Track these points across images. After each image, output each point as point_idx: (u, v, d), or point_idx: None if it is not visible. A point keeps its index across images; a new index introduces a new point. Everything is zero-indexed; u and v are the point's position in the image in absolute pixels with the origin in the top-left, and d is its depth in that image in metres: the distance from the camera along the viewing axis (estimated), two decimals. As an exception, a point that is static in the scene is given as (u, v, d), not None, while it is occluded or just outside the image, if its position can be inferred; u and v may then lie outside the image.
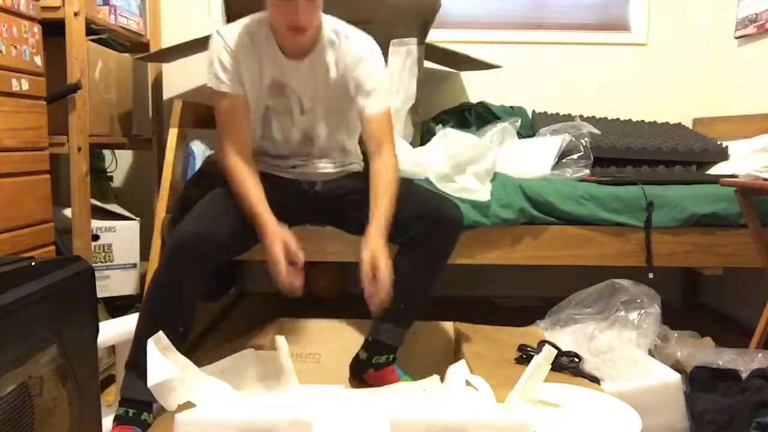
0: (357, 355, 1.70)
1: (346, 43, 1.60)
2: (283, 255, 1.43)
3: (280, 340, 1.67)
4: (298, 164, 1.71)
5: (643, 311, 1.70)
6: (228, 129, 1.59)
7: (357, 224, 1.72)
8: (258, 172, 1.58)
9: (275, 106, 1.65)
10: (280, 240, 1.45)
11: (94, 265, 2.00)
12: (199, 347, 1.93)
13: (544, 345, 1.35)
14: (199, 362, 1.50)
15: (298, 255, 1.45)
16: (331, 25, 1.61)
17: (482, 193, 1.88)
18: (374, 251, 1.44)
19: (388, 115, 1.63)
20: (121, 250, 2.15)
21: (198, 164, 2.07)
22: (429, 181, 1.91)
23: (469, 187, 1.88)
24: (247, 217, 1.52)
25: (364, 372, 1.68)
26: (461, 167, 1.91)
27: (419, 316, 1.72)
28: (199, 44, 2.34)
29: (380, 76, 1.62)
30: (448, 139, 1.99)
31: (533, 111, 2.60)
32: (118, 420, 1.41)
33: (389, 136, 1.62)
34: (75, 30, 1.89)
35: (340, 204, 1.72)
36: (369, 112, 1.60)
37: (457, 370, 1.24)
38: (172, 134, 1.96)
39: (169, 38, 2.57)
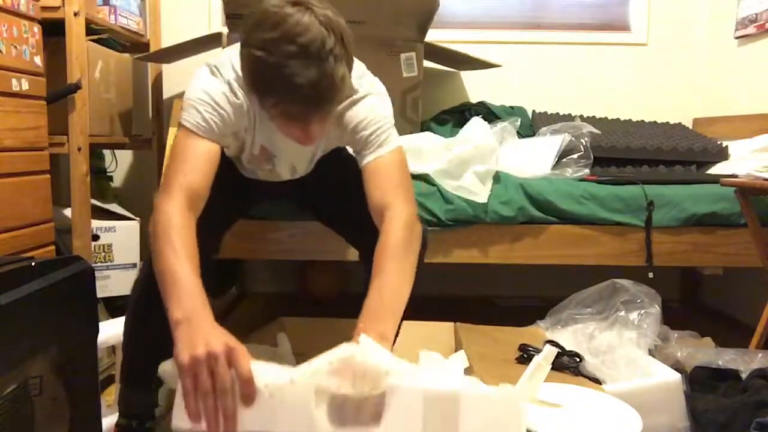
0: None
1: (351, 108, 1.30)
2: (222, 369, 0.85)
3: (281, 337, 1.66)
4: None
5: (643, 311, 1.70)
6: (183, 169, 1.16)
7: (327, 211, 1.62)
8: (197, 252, 1.08)
9: (257, 170, 1.45)
10: (222, 343, 0.87)
11: (94, 265, 2.00)
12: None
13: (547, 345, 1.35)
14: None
15: (246, 376, 0.84)
16: None
17: (481, 194, 1.88)
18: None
19: (391, 160, 1.28)
20: (121, 250, 2.15)
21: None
22: (428, 177, 1.91)
23: (469, 187, 1.88)
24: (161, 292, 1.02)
25: None
26: (463, 165, 1.91)
27: (419, 316, 1.72)
28: (199, 44, 2.35)
29: (374, 121, 1.28)
30: (456, 137, 2.00)
31: (533, 111, 2.59)
32: (121, 428, 1.40)
33: (394, 186, 1.24)
34: (75, 30, 1.89)
35: (313, 189, 1.56)
36: (363, 162, 1.28)
37: (456, 360, 1.20)
38: (172, 134, 1.97)
39: (169, 38, 2.58)
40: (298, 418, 0.82)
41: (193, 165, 1.17)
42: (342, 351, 0.87)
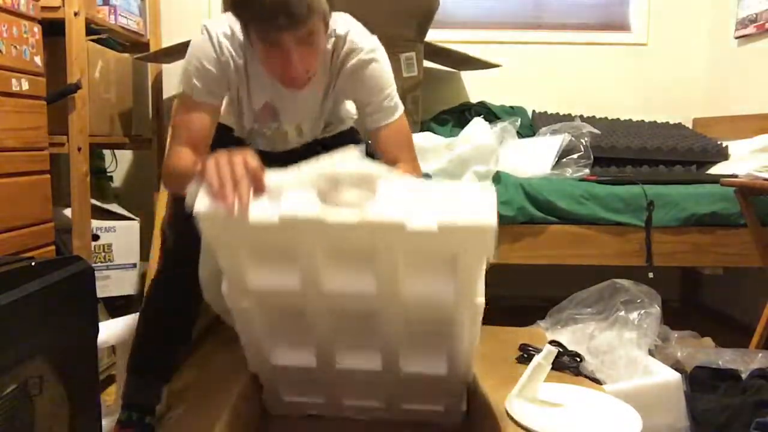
0: None
1: (350, 56, 1.34)
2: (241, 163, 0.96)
3: None
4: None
5: (643, 311, 1.70)
6: (181, 134, 1.30)
7: None
8: None
9: (263, 130, 1.46)
10: (240, 153, 0.98)
11: (94, 265, 2.00)
12: (199, 348, 1.93)
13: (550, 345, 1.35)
14: (198, 364, 1.49)
15: (259, 172, 0.96)
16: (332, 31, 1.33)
17: (480, 194, 1.89)
18: None
19: (401, 125, 1.38)
20: (121, 250, 2.15)
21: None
22: (428, 175, 1.91)
23: (469, 187, 1.89)
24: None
25: None
26: (463, 165, 1.91)
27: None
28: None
29: (386, 85, 1.36)
30: (457, 137, 1.99)
31: (533, 111, 2.60)
32: (121, 424, 1.40)
33: (405, 148, 1.38)
34: (75, 30, 1.89)
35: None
36: (375, 126, 1.36)
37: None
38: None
39: (169, 38, 2.57)
40: (301, 200, 0.95)
41: (190, 127, 1.29)
42: (342, 154, 0.99)
